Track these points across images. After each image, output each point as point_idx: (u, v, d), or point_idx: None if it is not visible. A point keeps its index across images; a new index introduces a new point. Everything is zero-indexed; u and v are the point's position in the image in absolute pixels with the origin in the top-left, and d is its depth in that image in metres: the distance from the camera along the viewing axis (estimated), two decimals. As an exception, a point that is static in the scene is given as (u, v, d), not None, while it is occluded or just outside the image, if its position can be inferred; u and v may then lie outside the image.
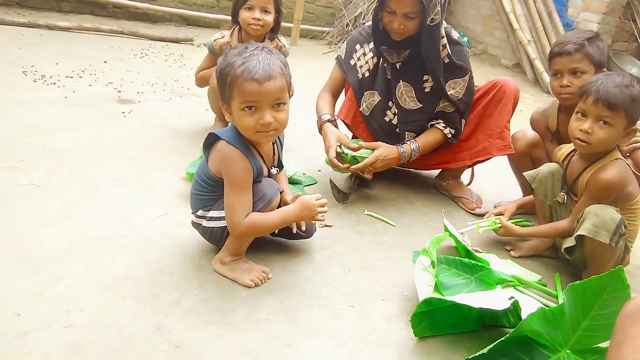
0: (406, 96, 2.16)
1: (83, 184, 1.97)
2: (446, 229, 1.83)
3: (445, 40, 2.04)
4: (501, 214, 2.03)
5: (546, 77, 5.23)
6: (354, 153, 2.06)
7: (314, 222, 1.69)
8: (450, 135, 2.19)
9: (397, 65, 2.14)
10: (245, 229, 1.49)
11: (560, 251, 1.83)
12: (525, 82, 5.57)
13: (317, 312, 1.48)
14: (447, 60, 2.07)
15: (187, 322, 1.36)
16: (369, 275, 1.70)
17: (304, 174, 2.35)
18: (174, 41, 4.74)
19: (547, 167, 1.96)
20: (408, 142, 2.16)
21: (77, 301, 1.36)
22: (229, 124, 1.57)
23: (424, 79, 2.13)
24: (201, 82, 2.61)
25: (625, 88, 1.63)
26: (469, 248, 1.80)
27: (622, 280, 1.24)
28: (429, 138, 2.18)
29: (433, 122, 2.19)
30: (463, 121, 2.21)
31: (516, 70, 5.99)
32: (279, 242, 1.77)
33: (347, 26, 5.89)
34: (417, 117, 2.18)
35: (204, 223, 1.60)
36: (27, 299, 1.34)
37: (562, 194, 1.89)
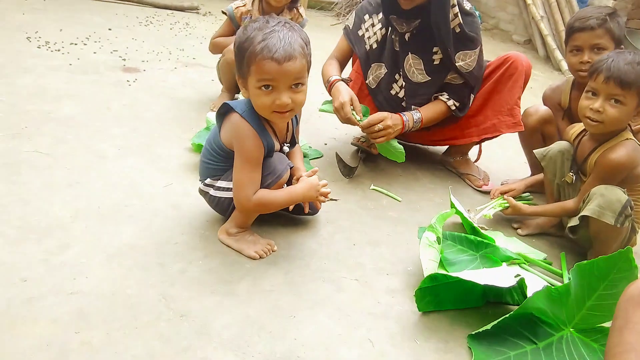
0: (414, 69, 2.11)
1: (88, 153, 1.96)
2: (452, 206, 1.82)
3: (457, 9, 1.99)
4: (507, 192, 2.02)
5: (558, 54, 5.13)
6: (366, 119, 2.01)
7: (318, 202, 1.69)
8: (454, 107, 2.14)
9: (406, 37, 2.09)
10: (253, 206, 1.48)
11: (565, 230, 1.82)
12: (536, 59, 5.47)
13: (321, 285, 1.49)
14: (458, 30, 2.02)
15: (192, 291, 1.37)
16: (373, 250, 1.70)
17: (310, 147, 2.33)
18: (179, 9, 4.67)
19: (558, 145, 1.94)
20: (411, 112, 2.12)
21: (83, 269, 1.37)
22: (240, 102, 1.54)
23: (434, 50, 2.08)
24: (216, 48, 2.57)
25: (637, 65, 1.60)
26: (475, 225, 1.79)
27: (630, 261, 1.24)
28: (431, 109, 2.14)
29: (437, 94, 2.16)
30: (472, 96, 2.17)
31: (527, 46, 5.88)
32: (284, 216, 1.77)
33: (356, -3, 5.77)
34: (425, 90, 2.15)
35: (212, 192, 1.59)
36: (33, 266, 1.35)
37: (572, 174, 1.87)
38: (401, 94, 2.19)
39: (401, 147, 2.09)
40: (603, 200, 1.63)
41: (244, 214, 1.55)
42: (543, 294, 1.28)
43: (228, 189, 1.55)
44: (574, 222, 1.74)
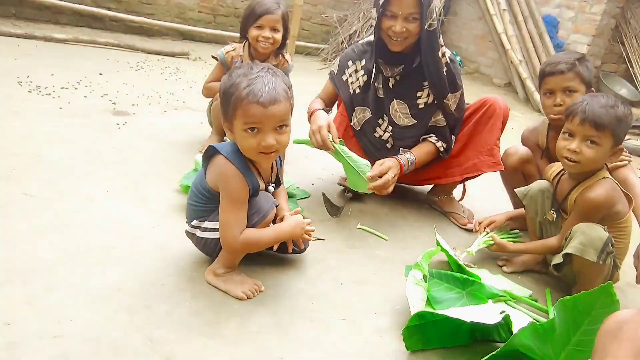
0: (400, 113, 2.19)
1: (76, 195, 1.97)
2: (438, 244, 1.85)
3: (444, 49, 2.09)
4: (490, 223, 2.06)
5: (537, 96, 5.31)
6: (341, 147, 2.01)
7: (304, 240, 1.70)
8: (442, 149, 2.22)
9: (390, 84, 2.17)
10: (240, 245, 1.50)
11: (550, 267, 1.85)
12: (516, 101, 5.66)
13: (309, 326, 1.48)
14: (445, 69, 2.11)
15: (178, 334, 1.35)
16: (361, 289, 1.71)
17: (298, 187, 2.36)
18: (170, 55, 4.78)
19: (537, 185, 1.99)
20: (405, 155, 2.17)
21: (68, 312, 1.35)
22: (227, 144, 1.58)
23: (418, 95, 2.17)
24: (209, 92, 2.63)
25: (610, 108, 1.67)
26: (461, 263, 1.81)
27: (612, 295, 1.26)
28: (423, 150, 2.20)
29: (425, 136, 2.23)
30: (453, 137, 2.24)
31: (508, 89, 6.08)
32: (272, 255, 1.78)
33: (341, 43, 5.97)
34: (412, 133, 2.22)
35: (198, 233, 1.61)
36: (17, 309, 1.33)
37: (552, 212, 1.91)
38: (385, 137, 2.25)
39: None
40: (585, 237, 1.67)
41: (232, 253, 1.56)
42: (529, 330, 1.29)
43: (214, 230, 1.57)
44: (557, 259, 1.77)
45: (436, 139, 2.21)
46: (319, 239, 1.97)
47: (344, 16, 6.34)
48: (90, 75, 3.61)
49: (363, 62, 2.23)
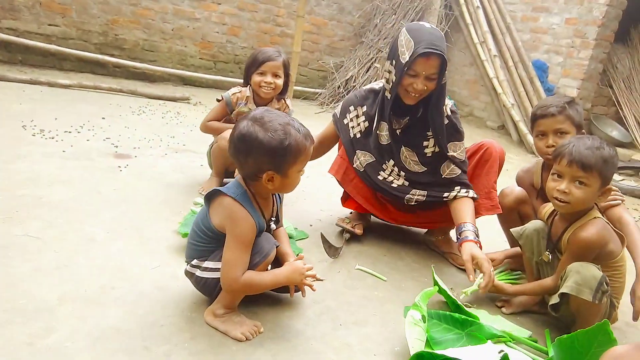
0: (410, 160, 2.25)
1: (78, 237, 1.99)
2: (436, 283, 1.86)
3: (447, 100, 2.18)
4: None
5: (530, 139, 5.42)
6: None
7: (303, 286, 1.67)
8: (475, 195, 2.21)
9: (397, 132, 2.24)
10: (241, 286, 1.52)
11: (548, 308, 1.86)
12: (510, 143, 5.77)
13: (309, 367, 1.48)
14: (446, 122, 2.18)
15: (177, 375, 1.35)
16: (360, 330, 1.71)
17: (296, 228, 2.39)
18: (171, 99, 4.90)
19: (532, 225, 2.02)
20: (465, 229, 2.06)
21: (68, 353, 1.35)
22: (234, 180, 1.62)
23: (424, 144, 2.23)
24: (207, 129, 2.69)
25: (596, 150, 1.73)
26: (459, 303, 1.82)
27: (609, 334, 1.27)
28: (469, 212, 2.13)
29: (455, 195, 2.20)
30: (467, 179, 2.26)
31: (501, 131, 6.21)
32: (271, 296, 1.78)
33: (338, 88, 6.14)
34: (425, 179, 2.26)
35: (198, 273, 1.62)
36: (18, 350, 1.33)
37: (548, 253, 1.94)
38: (389, 179, 2.28)
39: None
40: (579, 277, 1.69)
41: (230, 293, 1.57)
42: None
43: (215, 270, 1.58)
44: (554, 299, 1.78)
45: (465, 190, 2.20)
46: (318, 279, 1.98)
47: (340, 62, 6.54)
48: (93, 119, 3.70)
49: (364, 108, 2.30)
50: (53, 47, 5.02)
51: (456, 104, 6.86)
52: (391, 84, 2.09)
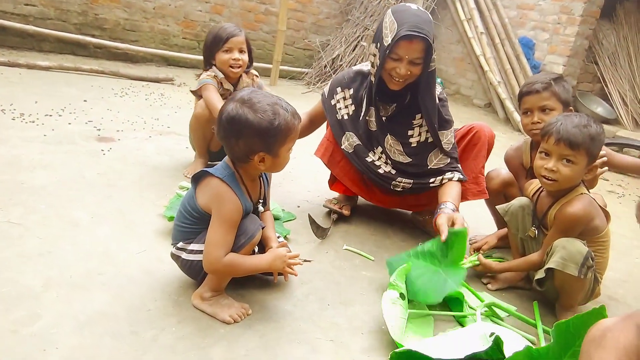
0: (395, 149, 2.22)
1: (61, 221, 1.96)
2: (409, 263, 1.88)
3: (438, 89, 2.14)
4: (481, 246, 2.10)
5: (517, 116, 5.44)
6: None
7: (286, 273, 1.64)
8: (462, 177, 2.19)
9: (383, 119, 2.21)
10: (222, 267, 1.51)
11: (532, 283, 1.88)
12: (496, 121, 5.78)
13: (297, 347, 1.48)
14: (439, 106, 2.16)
15: (165, 359, 1.35)
16: (347, 310, 1.72)
17: (283, 210, 2.38)
18: (154, 81, 4.80)
19: (518, 201, 2.03)
20: (444, 208, 2.02)
21: (53, 339, 1.34)
22: (222, 161, 1.60)
23: (409, 134, 2.21)
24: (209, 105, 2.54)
25: (583, 128, 1.73)
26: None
27: (604, 318, 1.28)
28: (452, 192, 2.11)
29: (441, 179, 2.19)
30: (459, 165, 2.24)
31: (488, 109, 6.22)
32: (258, 278, 1.78)
33: (324, 67, 6.07)
34: (412, 170, 2.24)
35: (184, 255, 1.61)
36: (2, 337, 1.32)
37: (533, 228, 1.96)
38: (378, 163, 2.26)
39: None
40: (565, 252, 1.71)
41: (216, 276, 1.56)
42: (523, 355, 1.30)
43: (200, 252, 1.57)
44: (540, 274, 1.80)
45: (451, 174, 2.18)
46: (305, 260, 1.98)
47: (326, 41, 6.46)
48: (75, 102, 3.62)
49: (351, 91, 2.25)
50: (31, 27, 4.86)
51: (443, 82, 6.84)
52: (375, 67, 2.06)
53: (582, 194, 1.82)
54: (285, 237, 2.10)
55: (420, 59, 1.97)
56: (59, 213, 2.02)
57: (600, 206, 1.87)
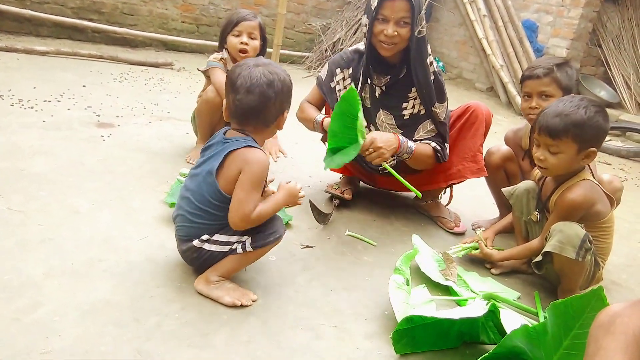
0: (386, 124, 2.21)
1: (62, 209, 1.95)
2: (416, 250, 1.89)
3: (431, 58, 2.12)
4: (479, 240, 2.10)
5: (519, 100, 5.38)
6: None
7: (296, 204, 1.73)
8: (439, 148, 2.17)
9: (377, 94, 2.19)
10: (255, 217, 1.54)
11: (530, 266, 1.88)
12: (498, 105, 5.74)
13: (300, 333, 1.48)
14: (432, 77, 2.13)
15: (168, 346, 1.35)
16: (350, 295, 1.72)
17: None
18: (153, 65, 4.75)
19: (524, 184, 2.03)
20: (407, 140, 2.10)
21: (56, 327, 1.34)
22: (233, 137, 1.59)
23: (403, 106, 2.19)
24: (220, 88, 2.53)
25: (565, 116, 1.69)
26: (446, 281, 1.83)
27: (603, 299, 1.27)
28: (421, 147, 2.14)
29: (419, 143, 2.18)
30: (446, 145, 2.23)
31: (490, 93, 6.17)
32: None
33: (325, 51, 6.00)
34: None
35: (206, 246, 1.58)
36: (4, 325, 1.31)
37: (537, 213, 1.95)
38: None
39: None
40: (562, 235, 1.70)
41: (241, 227, 1.55)
42: (520, 333, 1.30)
43: (224, 243, 1.58)
44: (537, 257, 1.80)
45: (430, 141, 2.18)
46: (307, 246, 1.98)
47: (327, 24, 6.38)
48: (73, 87, 3.58)
49: (350, 70, 2.24)
50: (28, 12, 4.80)
51: (445, 67, 6.78)
52: (366, 37, 2.08)
53: (584, 179, 1.81)
54: (287, 223, 2.09)
55: (407, 18, 1.98)
56: (60, 200, 2.01)
57: (604, 192, 1.85)
